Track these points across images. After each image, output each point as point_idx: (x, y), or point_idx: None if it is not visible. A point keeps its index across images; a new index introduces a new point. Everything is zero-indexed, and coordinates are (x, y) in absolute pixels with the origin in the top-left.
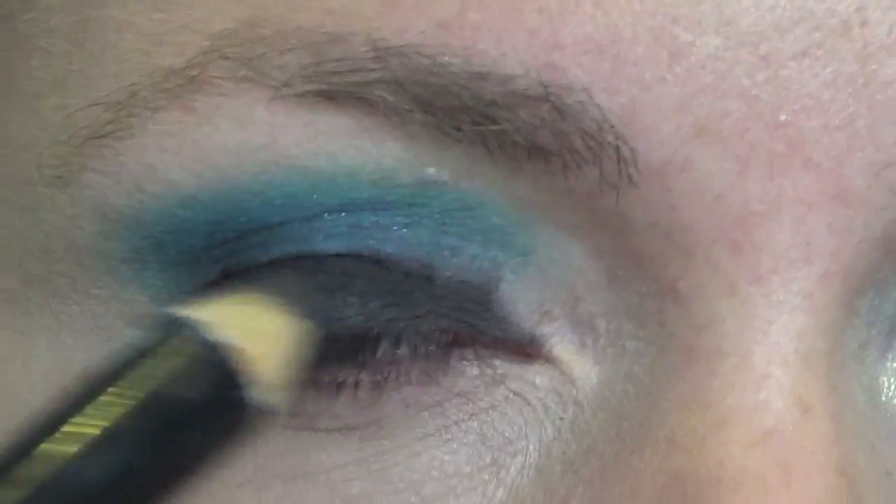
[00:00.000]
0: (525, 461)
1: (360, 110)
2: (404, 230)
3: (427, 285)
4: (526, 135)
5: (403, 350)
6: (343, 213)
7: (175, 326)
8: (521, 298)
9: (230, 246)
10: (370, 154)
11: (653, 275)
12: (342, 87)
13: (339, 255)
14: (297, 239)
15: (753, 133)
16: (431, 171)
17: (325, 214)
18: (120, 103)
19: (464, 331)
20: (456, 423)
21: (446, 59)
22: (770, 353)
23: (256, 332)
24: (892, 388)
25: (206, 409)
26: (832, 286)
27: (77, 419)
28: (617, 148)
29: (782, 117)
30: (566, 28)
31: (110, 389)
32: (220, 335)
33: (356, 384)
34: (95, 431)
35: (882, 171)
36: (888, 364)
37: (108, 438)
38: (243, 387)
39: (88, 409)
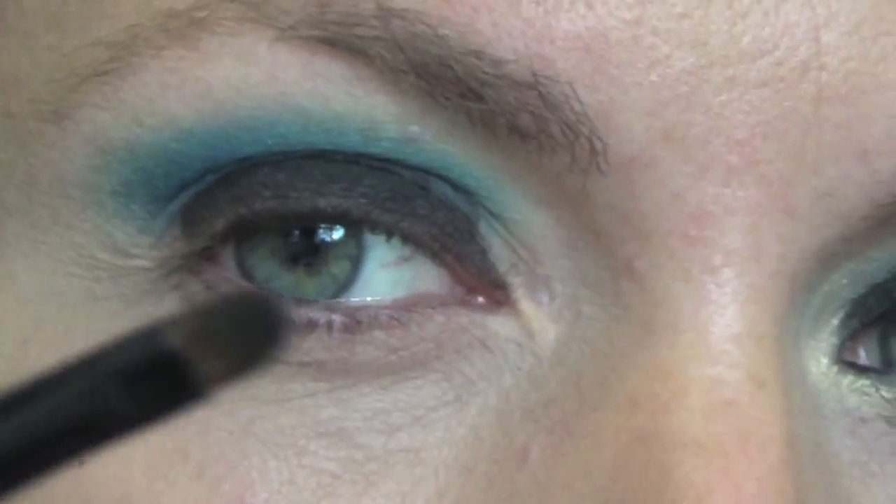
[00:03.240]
0: (485, 403)
1: (357, 60)
2: (391, 173)
3: (425, 193)
4: (508, 116)
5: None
6: (331, 159)
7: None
8: (495, 242)
9: (224, 182)
10: (361, 103)
11: (610, 251)
12: (343, 37)
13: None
14: (290, 178)
15: (714, 146)
16: (415, 128)
17: (315, 160)
18: (121, 43)
19: (451, 248)
20: (422, 363)
21: (445, 31)
22: (725, 333)
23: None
24: (818, 368)
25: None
26: (781, 283)
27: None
28: (590, 140)
29: (740, 136)
30: (559, 24)
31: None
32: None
33: (329, 325)
34: None
35: (823, 196)
36: (814, 346)
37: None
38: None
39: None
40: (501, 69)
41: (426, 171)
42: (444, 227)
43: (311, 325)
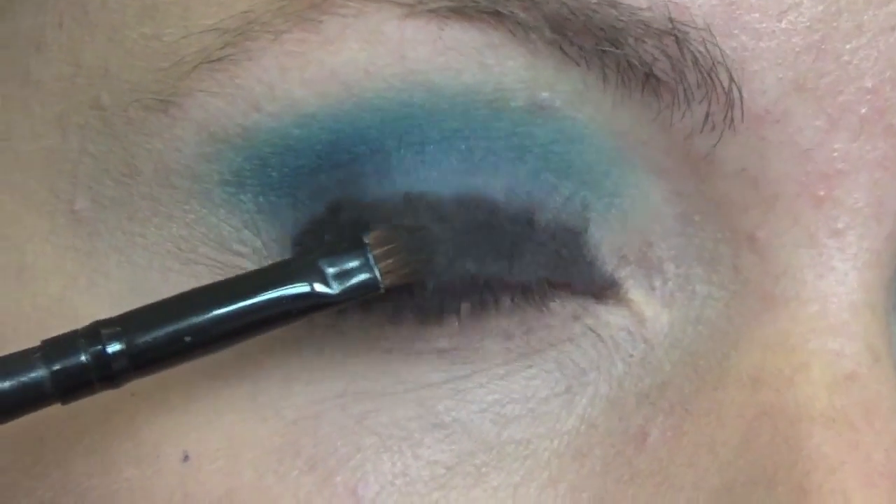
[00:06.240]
0: (596, 392)
1: (488, 25)
2: (509, 167)
3: (529, 232)
4: (645, 67)
5: (506, 297)
6: (455, 143)
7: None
8: (604, 242)
9: (341, 171)
10: (492, 72)
11: (730, 222)
12: (475, 1)
13: (450, 203)
14: (410, 170)
15: (845, 95)
16: (545, 95)
17: (439, 143)
18: (235, 29)
19: (557, 277)
20: (538, 351)
21: None
22: (844, 302)
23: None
24: None
25: None
26: (893, 246)
27: None
28: (727, 90)
29: (869, 84)
30: None
31: None
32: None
33: (457, 312)
34: None
35: None
36: None
37: None
38: None
39: None
40: (637, 16)
41: (546, 163)
42: (549, 263)
43: (439, 315)
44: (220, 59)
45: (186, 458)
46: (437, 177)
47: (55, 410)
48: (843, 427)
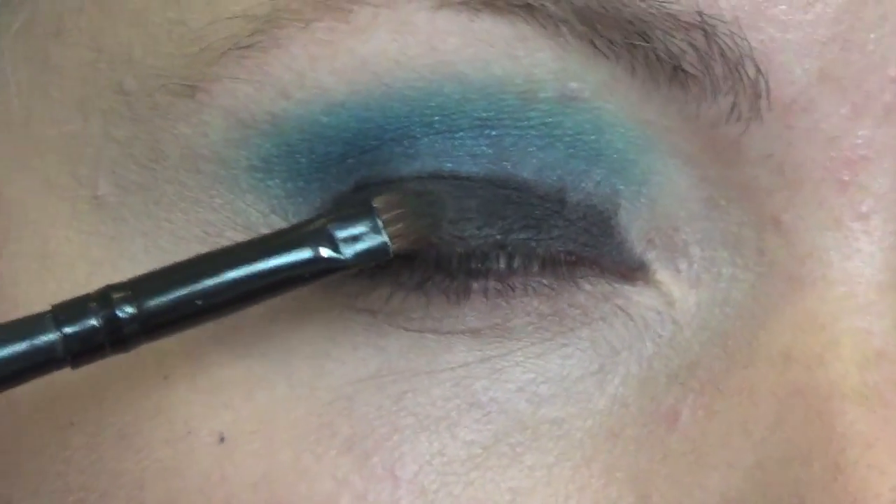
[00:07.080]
0: (628, 372)
1: (518, 17)
2: (540, 153)
3: (560, 208)
4: (674, 60)
5: (534, 265)
6: (485, 130)
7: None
8: (633, 226)
9: (369, 156)
10: (521, 63)
11: (755, 206)
12: None
13: (480, 180)
14: (439, 154)
15: (869, 84)
16: (574, 85)
17: (469, 130)
18: (264, 16)
19: (587, 253)
20: (572, 329)
21: None
22: (871, 282)
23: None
24: None
25: None
26: None
27: None
28: (755, 82)
29: (893, 72)
30: None
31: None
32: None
33: (485, 291)
34: None
35: None
36: None
37: None
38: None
39: None
40: (666, 9)
41: (576, 151)
42: (579, 238)
43: (467, 291)
44: (248, 47)
45: (222, 439)
46: (466, 159)
47: (85, 394)
48: (876, 403)
